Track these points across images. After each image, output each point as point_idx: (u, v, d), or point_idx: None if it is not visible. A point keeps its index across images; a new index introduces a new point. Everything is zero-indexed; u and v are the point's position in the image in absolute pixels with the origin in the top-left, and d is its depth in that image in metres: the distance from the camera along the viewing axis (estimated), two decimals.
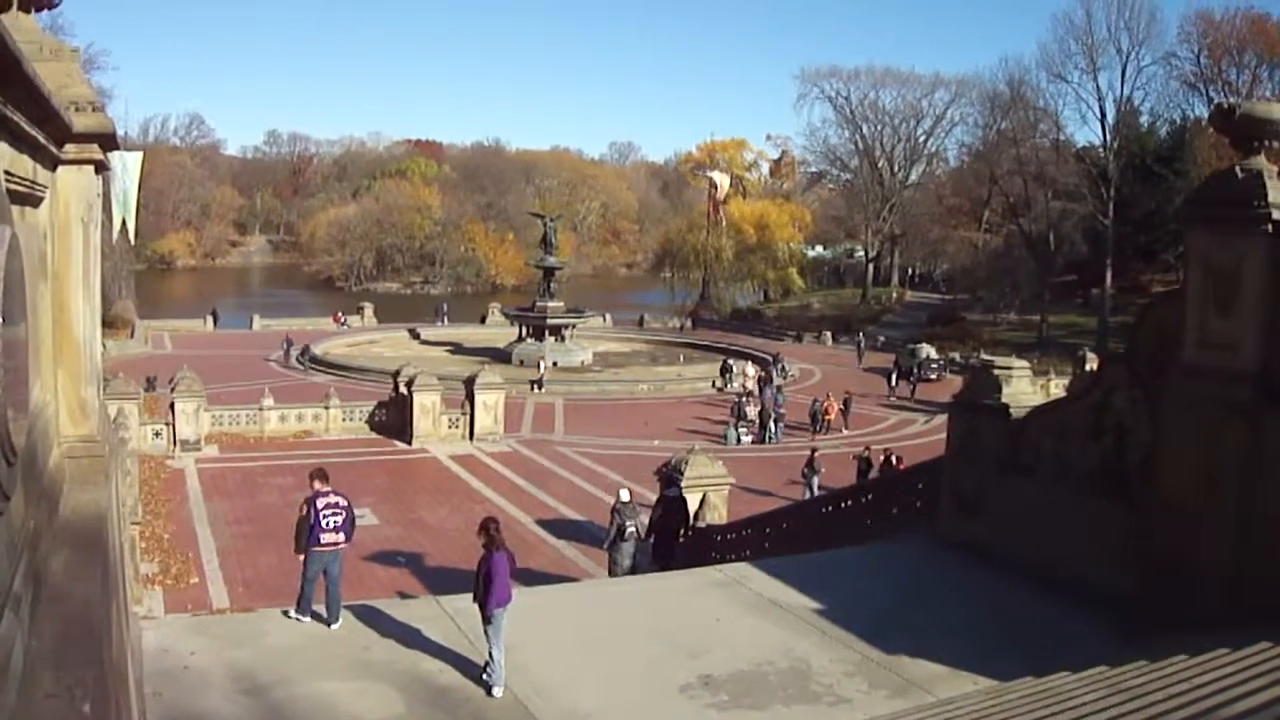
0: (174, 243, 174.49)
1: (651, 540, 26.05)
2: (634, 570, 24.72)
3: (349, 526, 15.67)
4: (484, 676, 13.28)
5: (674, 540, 25.83)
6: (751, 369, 68.84)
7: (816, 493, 36.25)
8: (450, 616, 15.23)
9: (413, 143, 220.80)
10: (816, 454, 40.76)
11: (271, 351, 74.92)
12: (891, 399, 63.70)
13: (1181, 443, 14.36)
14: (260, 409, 48.17)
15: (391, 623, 14.96)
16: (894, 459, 38.43)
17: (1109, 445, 16.61)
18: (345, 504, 15.60)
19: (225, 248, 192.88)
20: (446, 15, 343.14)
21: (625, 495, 26.83)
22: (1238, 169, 13.87)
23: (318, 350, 75.41)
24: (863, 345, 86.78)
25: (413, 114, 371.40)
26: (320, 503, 15.31)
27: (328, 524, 15.28)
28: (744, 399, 56.63)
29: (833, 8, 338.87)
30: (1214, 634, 11.76)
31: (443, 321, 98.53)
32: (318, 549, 15.28)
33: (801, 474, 39.61)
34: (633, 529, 25.79)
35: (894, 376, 66.54)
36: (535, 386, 62.15)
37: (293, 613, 15.21)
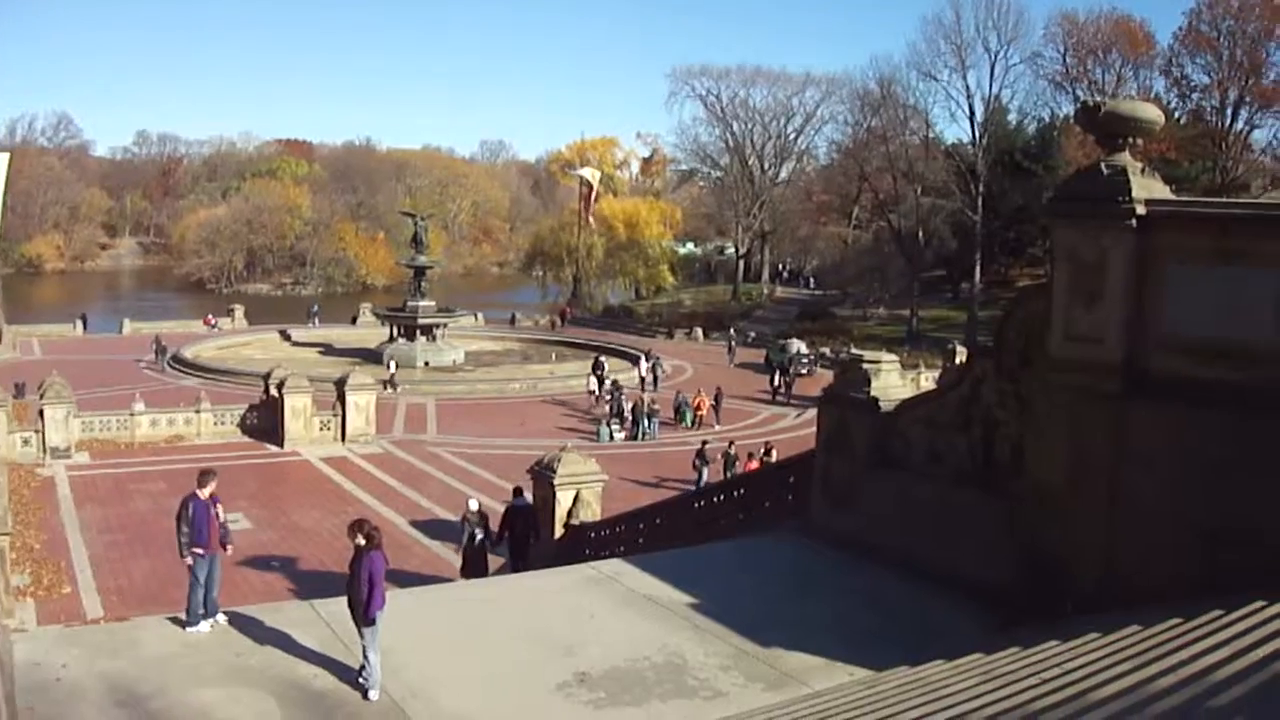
0: (42, 246, 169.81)
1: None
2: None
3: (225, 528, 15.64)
4: (360, 680, 13.07)
5: (526, 548, 26.79)
6: (645, 364, 69.41)
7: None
8: (325, 620, 14.95)
9: (283, 142, 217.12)
10: (707, 445, 41.22)
11: (142, 355, 73.20)
12: (777, 399, 63.91)
13: (1050, 434, 14.60)
14: (131, 414, 47.24)
15: (266, 629, 14.64)
16: (772, 451, 38.96)
17: (978, 437, 16.83)
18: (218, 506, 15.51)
19: (94, 251, 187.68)
20: (317, 13, 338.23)
21: (474, 505, 28.80)
22: (1103, 165, 14.10)
23: (188, 353, 73.91)
24: (734, 341, 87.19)
25: (283, 113, 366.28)
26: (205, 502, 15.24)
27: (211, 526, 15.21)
28: (620, 395, 56.64)
29: (704, 7, 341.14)
30: (1085, 620, 11.98)
31: (314, 323, 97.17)
32: (205, 550, 15.11)
33: (692, 464, 40.01)
34: (482, 536, 27.28)
35: (775, 376, 66.65)
36: (387, 386, 60.37)
37: (185, 620, 14.89)
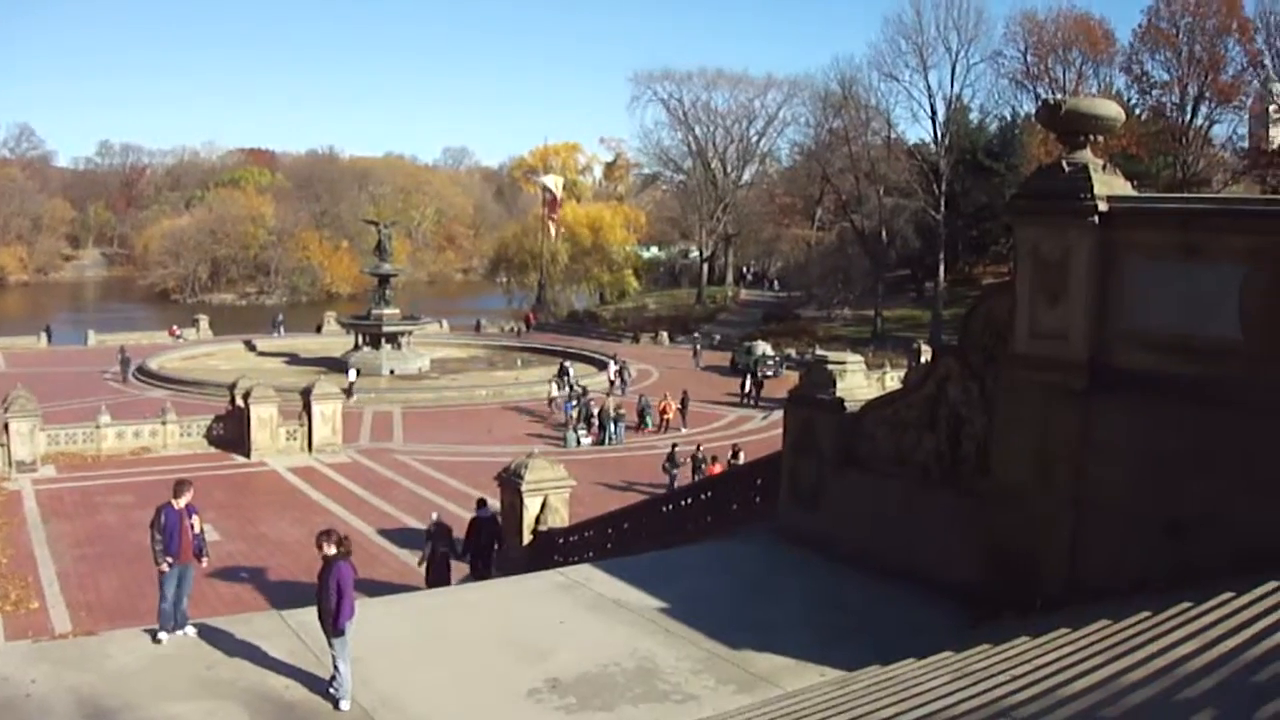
0: (4, 258, 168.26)
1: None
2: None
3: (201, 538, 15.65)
4: (330, 690, 13.02)
5: (490, 558, 26.82)
6: (613, 366, 69.86)
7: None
8: (294, 631, 14.88)
9: (246, 151, 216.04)
10: (677, 448, 41.29)
11: (107, 367, 72.53)
12: (746, 401, 63.83)
13: (1016, 431, 14.65)
14: (97, 427, 46.80)
15: (236, 640, 14.55)
16: (739, 453, 39.06)
17: (944, 436, 16.91)
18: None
19: (58, 262, 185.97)
20: (279, 22, 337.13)
21: (434, 517, 29.29)
22: (1064, 163, 14.19)
23: (154, 365, 73.34)
24: (699, 345, 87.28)
25: (246, 123, 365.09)
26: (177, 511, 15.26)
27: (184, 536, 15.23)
28: (586, 400, 56.60)
29: (665, 10, 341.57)
30: (1055, 615, 12.03)
31: (279, 332, 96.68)
32: (176, 560, 15.11)
33: (663, 467, 40.09)
34: (445, 550, 27.33)
35: (746, 379, 66.52)
36: (348, 394, 59.47)
37: (155, 632, 14.87)
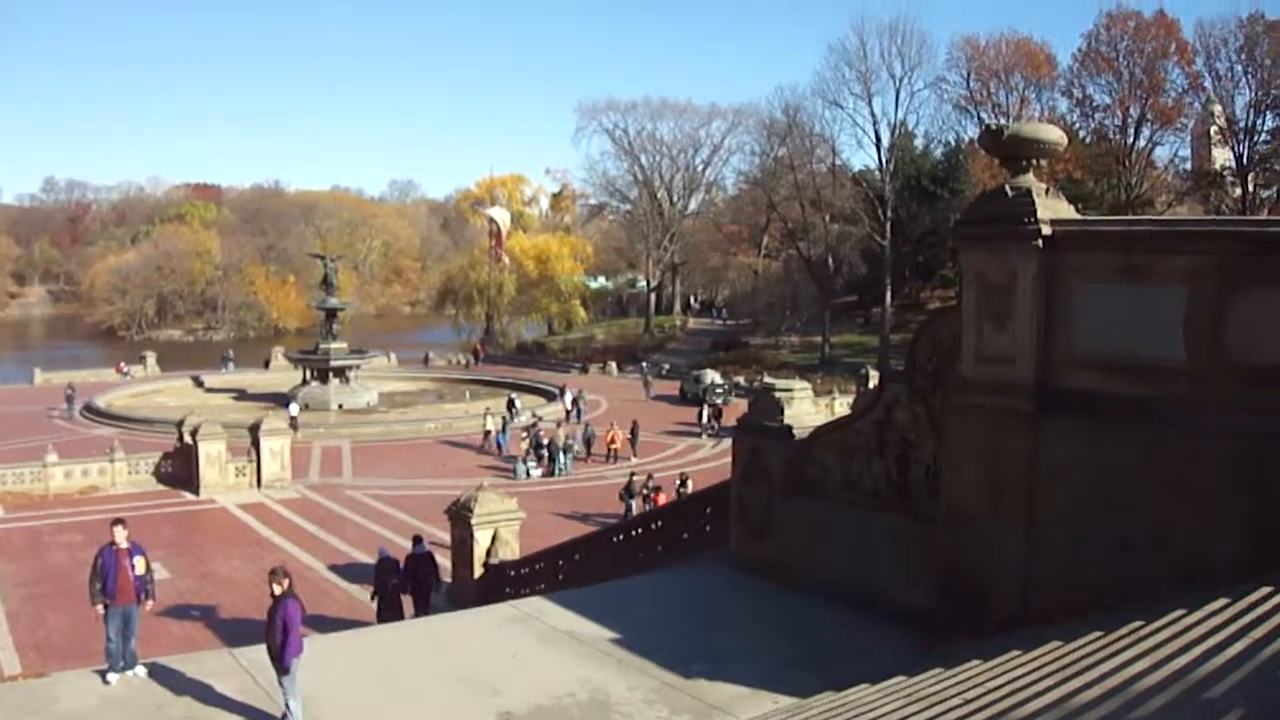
0: None
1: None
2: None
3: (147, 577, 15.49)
4: None
5: (427, 596, 27.07)
6: (569, 395, 70.22)
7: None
8: (245, 669, 14.75)
9: (192, 187, 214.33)
10: (635, 477, 41.22)
11: (55, 405, 71.65)
12: (708, 431, 63.52)
13: (965, 455, 14.70)
14: (44, 465, 46.26)
15: (186, 679, 14.41)
16: (688, 482, 39.05)
17: (893, 460, 16.94)
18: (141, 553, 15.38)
19: (3, 300, 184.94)
20: (223, 57, 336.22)
21: (383, 551, 28.97)
22: (1007, 187, 14.28)
23: (101, 402, 72.61)
24: (648, 374, 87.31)
25: (191, 157, 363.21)
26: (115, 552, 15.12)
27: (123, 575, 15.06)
28: (537, 431, 56.44)
29: (610, 42, 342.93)
30: (1008, 637, 12.04)
31: (229, 367, 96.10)
32: (113, 601, 15.03)
33: (620, 497, 39.90)
34: (396, 583, 27.11)
35: (704, 410, 66.10)
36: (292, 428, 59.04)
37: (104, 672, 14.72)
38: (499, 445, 56.99)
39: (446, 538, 31.48)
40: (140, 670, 14.78)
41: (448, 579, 29.82)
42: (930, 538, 15.27)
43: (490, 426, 59.52)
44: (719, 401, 69.61)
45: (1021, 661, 10.75)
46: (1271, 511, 11.34)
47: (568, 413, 67.45)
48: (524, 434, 56.41)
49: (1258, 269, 11.90)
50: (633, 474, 42.91)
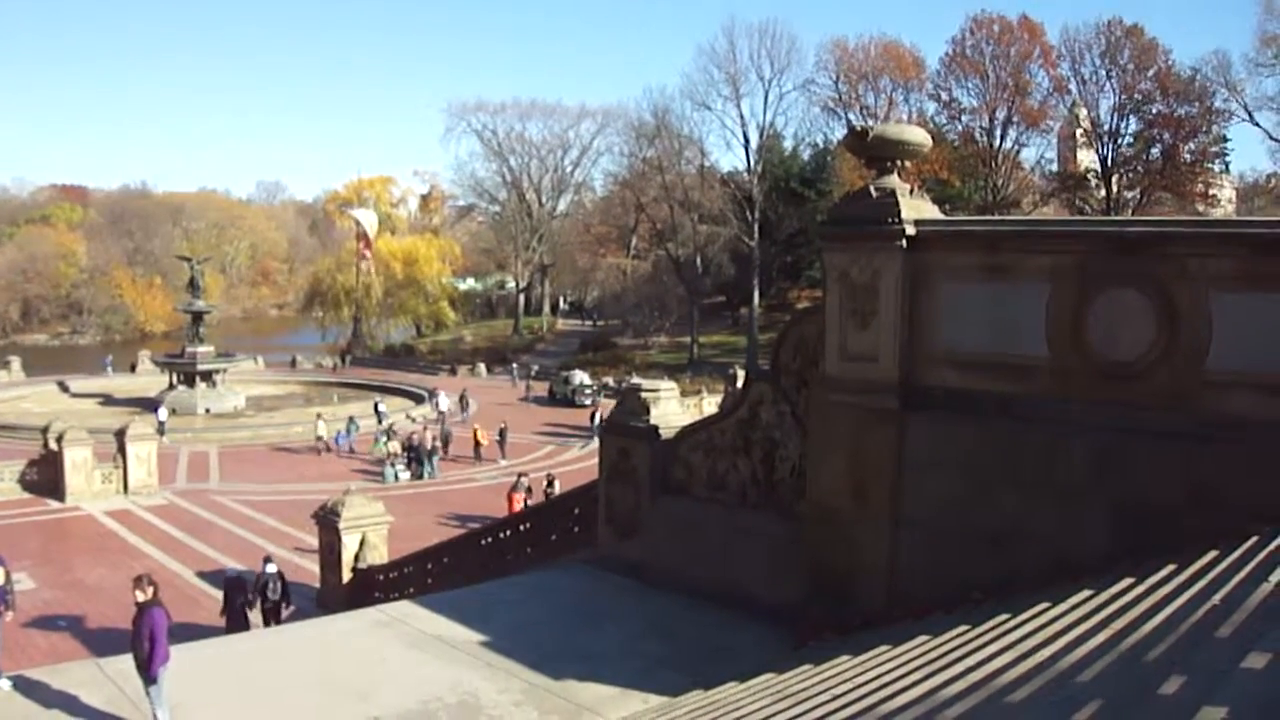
0: None
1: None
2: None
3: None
4: None
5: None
6: (452, 396, 70.23)
7: None
8: (111, 679, 14.34)
9: (57, 188, 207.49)
10: (523, 475, 41.49)
11: None
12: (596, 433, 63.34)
13: (830, 453, 14.78)
14: None
15: (52, 691, 13.99)
16: (555, 483, 39.01)
17: (759, 459, 17.02)
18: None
19: None
20: (88, 55, 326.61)
21: (229, 571, 29.74)
22: (871, 188, 14.38)
23: None
24: (517, 375, 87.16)
25: (57, 158, 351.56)
26: None
27: None
28: (395, 431, 56.09)
29: (479, 42, 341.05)
30: (876, 633, 12.14)
31: (109, 372, 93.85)
32: None
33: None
34: (243, 602, 26.80)
35: (595, 415, 64.98)
36: (159, 433, 57.93)
37: None
38: (337, 443, 57.48)
39: (315, 543, 31.08)
40: (4, 683, 14.38)
41: (317, 585, 29.50)
42: (797, 536, 15.34)
43: (322, 432, 58.98)
44: (586, 402, 69.78)
45: (889, 657, 10.82)
46: (1132, 502, 11.58)
47: (441, 414, 66.98)
48: (383, 436, 56.13)
49: (1117, 268, 12.12)
50: (520, 474, 42.89)
